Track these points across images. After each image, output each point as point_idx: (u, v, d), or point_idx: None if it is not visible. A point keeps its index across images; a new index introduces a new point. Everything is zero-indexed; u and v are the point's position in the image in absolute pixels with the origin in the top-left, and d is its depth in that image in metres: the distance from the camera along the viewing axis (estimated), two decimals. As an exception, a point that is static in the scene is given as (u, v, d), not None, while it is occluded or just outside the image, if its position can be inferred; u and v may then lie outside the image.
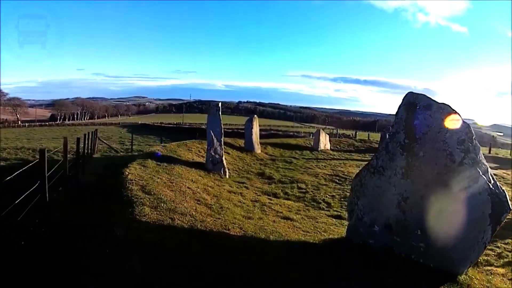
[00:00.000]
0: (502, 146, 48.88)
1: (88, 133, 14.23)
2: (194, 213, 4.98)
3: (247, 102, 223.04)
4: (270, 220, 6.22)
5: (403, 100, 4.44)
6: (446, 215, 4.07)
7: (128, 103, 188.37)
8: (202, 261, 3.42)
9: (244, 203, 7.63)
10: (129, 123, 77.23)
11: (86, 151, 13.06)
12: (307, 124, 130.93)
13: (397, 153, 4.40)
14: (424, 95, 4.34)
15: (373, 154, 4.80)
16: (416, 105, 4.30)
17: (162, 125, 63.15)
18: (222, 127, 11.72)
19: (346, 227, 5.22)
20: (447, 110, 4.17)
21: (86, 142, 13.05)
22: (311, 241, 4.96)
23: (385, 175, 4.48)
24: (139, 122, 78.43)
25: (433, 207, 4.15)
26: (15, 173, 4.63)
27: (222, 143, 11.46)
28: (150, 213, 4.44)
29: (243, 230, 4.73)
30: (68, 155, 8.21)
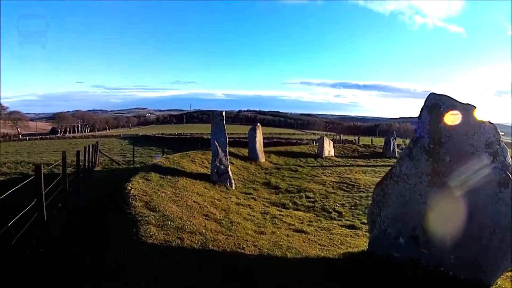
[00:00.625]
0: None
1: (89, 145, 13.99)
2: (204, 230, 4.62)
3: (248, 110, 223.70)
4: (283, 234, 5.87)
5: (425, 102, 4.14)
6: (476, 223, 3.77)
7: (128, 115, 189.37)
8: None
9: (253, 216, 7.28)
10: (130, 134, 77.31)
11: (87, 164, 12.79)
12: (308, 131, 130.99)
13: (421, 159, 4.08)
14: (447, 96, 4.05)
15: (396, 161, 4.48)
16: (439, 106, 4.01)
17: (163, 136, 62.90)
18: (227, 136, 11.41)
19: (367, 239, 4.88)
20: (472, 110, 3.89)
21: (87, 155, 12.79)
22: (330, 256, 4.62)
23: (410, 183, 4.16)
24: (140, 134, 78.57)
25: (462, 215, 3.83)
26: (10, 190, 4.41)
27: (227, 153, 11.11)
28: (156, 233, 4.09)
29: (258, 248, 4.37)
30: (69, 169, 7.93)
